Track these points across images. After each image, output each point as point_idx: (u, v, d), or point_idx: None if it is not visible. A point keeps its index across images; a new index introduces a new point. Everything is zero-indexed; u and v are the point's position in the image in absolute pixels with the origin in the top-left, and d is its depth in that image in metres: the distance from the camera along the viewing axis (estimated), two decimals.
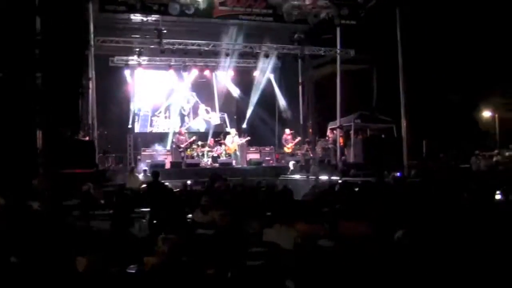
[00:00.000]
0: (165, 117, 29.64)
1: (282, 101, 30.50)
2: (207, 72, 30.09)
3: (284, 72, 30.54)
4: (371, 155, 24.57)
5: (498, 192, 10.69)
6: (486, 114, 36.88)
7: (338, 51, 27.20)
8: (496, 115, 36.59)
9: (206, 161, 26.25)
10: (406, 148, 25.42)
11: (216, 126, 29.40)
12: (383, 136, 27.60)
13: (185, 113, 30.00)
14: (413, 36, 26.28)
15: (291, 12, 24.19)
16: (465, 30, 29.54)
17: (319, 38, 27.20)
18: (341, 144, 26.94)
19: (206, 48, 26.21)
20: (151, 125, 29.50)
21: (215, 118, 30.29)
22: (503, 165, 24.06)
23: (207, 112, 30.22)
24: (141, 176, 20.94)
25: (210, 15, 23.65)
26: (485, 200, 10.16)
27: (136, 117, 28.50)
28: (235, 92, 30.75)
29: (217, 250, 7.29)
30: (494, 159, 25.47)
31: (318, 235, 7.83)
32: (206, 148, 26.49)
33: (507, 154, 25.96)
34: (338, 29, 26.58)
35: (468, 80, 33.80)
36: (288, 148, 27.35)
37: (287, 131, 27.79)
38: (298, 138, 27.58)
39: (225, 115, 30.77)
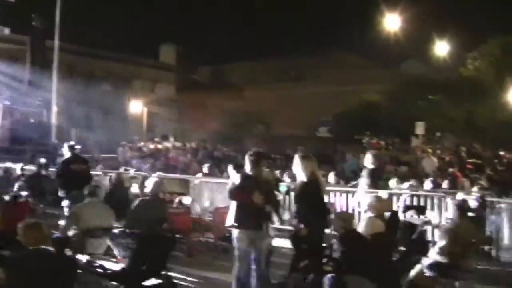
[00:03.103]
0: None
1: None
2: None
3: None
4: (18, 139, 23.99)
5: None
6: (136, 106, 38.70)
7: None
8: (146, 109, 38.75)
9: None
10: (55, 134, 25.46)
11: None
12: (32, 120, 27.12)
13: None
14: (71, 21, 26.40)
15: None
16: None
17: None
18: None
19: None
20: None
21: None
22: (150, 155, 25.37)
23: None
24: None
25: None
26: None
27: None
28: None
29: None
30: (144, 149, 26.74)
31: None
32: None
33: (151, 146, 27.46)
34: None
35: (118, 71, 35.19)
36: None
37: None
38: None
39: None
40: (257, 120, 41.21)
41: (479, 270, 8.36)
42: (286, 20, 40.84)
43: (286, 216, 10.97)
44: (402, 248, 7.80)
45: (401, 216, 10.29)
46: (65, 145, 11.86)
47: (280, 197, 10.96)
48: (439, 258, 7.33)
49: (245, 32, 40.00)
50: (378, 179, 11.06)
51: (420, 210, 10.75)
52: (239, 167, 8.15)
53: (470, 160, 19.51)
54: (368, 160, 11.09)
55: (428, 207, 10.81)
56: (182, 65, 47.91)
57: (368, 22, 31.57)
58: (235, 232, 7.25)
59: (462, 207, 8.70)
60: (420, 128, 29.07)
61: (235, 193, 7.32)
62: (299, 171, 7.71)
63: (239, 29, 40.64)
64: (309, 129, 40.38)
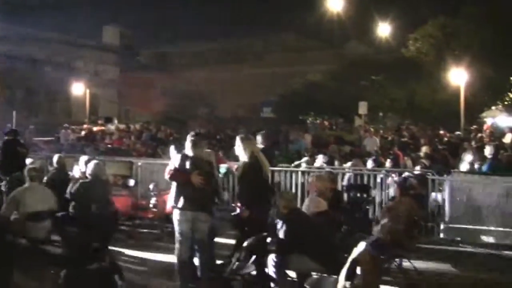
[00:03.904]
0: None
1: None
2: None
3: None
4: None
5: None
6: (78, 88, 37.91)
7: None
8: (88, 91, 38.00)
9: None
10: None
11: None
12: None
13: None
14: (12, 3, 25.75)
15: None
16: None
17: None
18: None
19: None
20: None
21: None
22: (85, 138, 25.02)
23: None
24: None
25: None
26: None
27: None
28: None
29: None
30: (83, 132, 26.37)
31: None
32: None
33: (95, 129, 27.12)
34: None
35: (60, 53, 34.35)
36: None
37: None
38: None
39: None
40: (201, 102, 41.14)
41: (421, 246, 8.54)
42: (229, 2, 40.63)
43: (226, 197, 10.97)
44: (345, 227, 7.89)
45: (344, 195, 10.41)
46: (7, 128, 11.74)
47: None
48: (381, 236, 7.45)
49: (188, 15, 39.59)
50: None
51: (364, 188, 10.88)
52: (181, 148, 8.03)
53: (403, 140, 19.88)
54: (259, 140, 10.98)
55: (371, 185, 10.95)
56: (126, 46, 47.26)
57: (311, 3, 31.66)
58: (175, 213, 7.16)
59: (403, 185, 8.81)
60: (362, 107, 29.45)
61: (173, 173, 7.22)
62: (240, 152, 7.72)
63: (183, 11, 40.23)
64: (254, 110, 40.55)
